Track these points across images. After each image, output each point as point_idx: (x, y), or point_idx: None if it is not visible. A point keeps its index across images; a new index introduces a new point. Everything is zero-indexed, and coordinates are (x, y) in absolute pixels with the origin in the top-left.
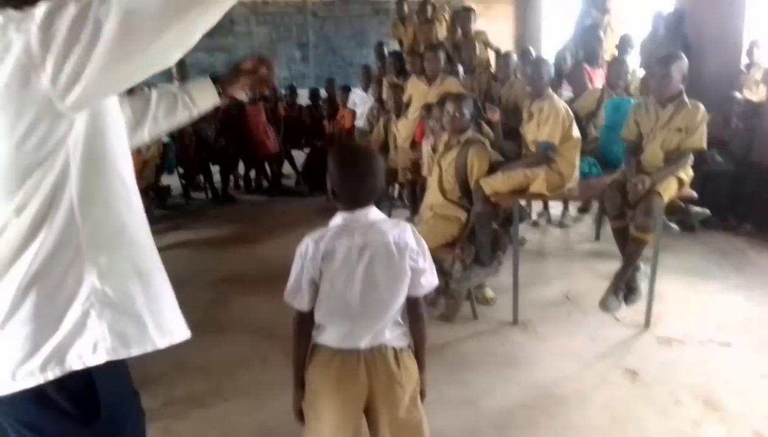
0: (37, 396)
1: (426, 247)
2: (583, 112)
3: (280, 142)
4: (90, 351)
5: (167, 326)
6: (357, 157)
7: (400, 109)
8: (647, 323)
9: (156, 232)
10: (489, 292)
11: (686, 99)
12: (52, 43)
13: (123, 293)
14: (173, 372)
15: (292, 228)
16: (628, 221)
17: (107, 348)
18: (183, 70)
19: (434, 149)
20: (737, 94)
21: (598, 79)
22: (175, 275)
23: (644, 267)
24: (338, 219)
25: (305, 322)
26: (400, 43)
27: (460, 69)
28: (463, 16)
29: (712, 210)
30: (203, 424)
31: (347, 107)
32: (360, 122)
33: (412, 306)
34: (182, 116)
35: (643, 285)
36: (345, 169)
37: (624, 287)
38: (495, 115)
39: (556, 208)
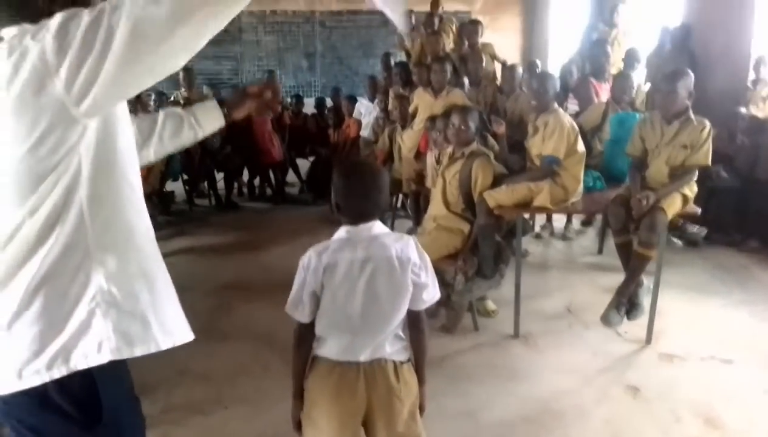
0: (40, 399)
1: (429, 262)
2: (588, 125)
3: (285, 151)
4: (95, 351)
5: (170, 327)
6: (362, 172)
7: (406, 119)
8: (649, 338)
9: (160, 238)
10: (490, 304)
11: (692, 115)
12: (67, 50)
13: (128, 294)
14: (173, 379)
15: (295, 236)
16: (631, 236)
17: (112, 347)
18: (190, 77)
19: (438, 161)
20: (742, 110)
21: (604, 93)
22: (177, 281)
23: (647, 283)
24: (341, 232)
25: (306, 334)
26: (407, 54)
27: (466, 81)
28: (470, 29)
29: (716, 225)
30: (202, 431)
31: (353, 117)
32: (365, 132)
33: (413, 321)
34: (187, 137)
35: (645, 300)
36: (350, 184)
37: (626, 302)
38: (500, 128)
39: (559, 220)
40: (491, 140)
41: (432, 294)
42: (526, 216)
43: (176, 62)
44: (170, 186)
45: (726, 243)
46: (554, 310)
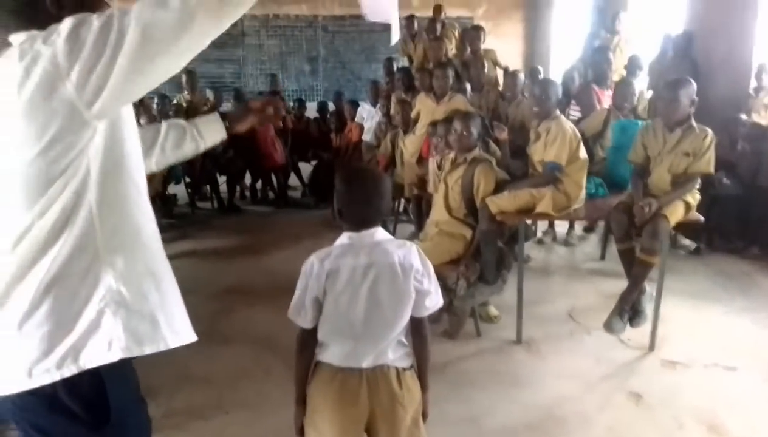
0: (49, 400)
1: (431, 268)
2: (590, 132)
3: (288, 154)
4: (105, 349)
5: (178, 326)
6: (364, 178)
7: (408, 124)
8: (652, 345)
9: (162, 241)
10: (493, 310)
11: (694, 123)
12: (78, 53)
13: (137, 293)
14: (175, 383)
15: (298, 240)
16: (634, 243)
17: (122, 346)
18: (192, 80)
19: (439, 166)
20: (743, 116)
21: (606, 99)
22: (180, 284)
23: (650, 290)
24: (344, 238)
25: (308, 339)
26: (410, 59)
27: (468, 87)
28: (472, 35)
29: (718, 232)
30: (204, 436)
31: (355, 121)
32: (367, 136)
33: (416, 327)
34: (189, 148)
35: (648, 307)
36: (352, 191)
37: (629, 309)
38: (502, 134)
39: (561, 226)
40: (493, 146)
41: (435, 300)
42: (528, 222)
43: (182, 62)
44: (173, 189)
45: (728, 251)
46: (557, 316)
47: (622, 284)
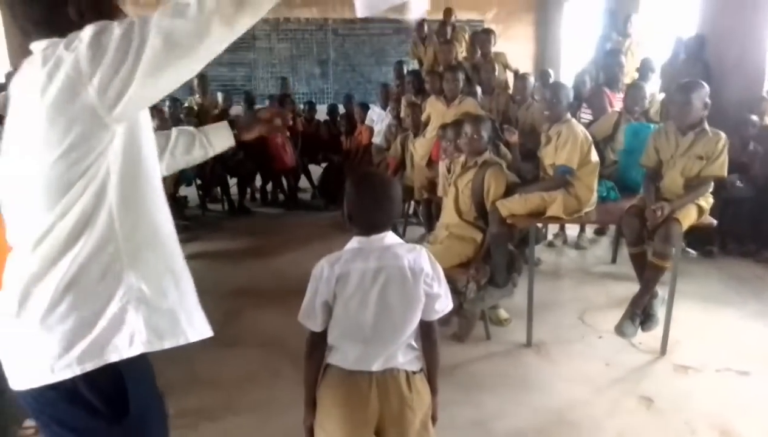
0: (70, 394)
1: (441, 272)
2: (600, 135)
3: (298, 157)
4: (127, 344)
5: (196, 321)
6: (375, 183)
7: (418, 127)
8: (663, 349)
9: None
10: (503, 313)
11: (707, 127)
12: (100, 59)
13: (157, 290)
14: (184, 384)
15: (307, 242)
16: (646, 247)
17: (143, 340)
18: (204, 84)
19: (449, 170)
20: (753, 117)
21: (617, 102)
22: None
23: (662, 294)
24: (354, 242)
25: (318, 343)
26: (420, 62)
27: (479, 90)
28: (482, 38)
29: (731, 236)
30: None
31: (365, 124)
32: (377, 139)
33: (425, 331)
34: (198, 154)
35: (660, 311)
36: (363, 196)
37: (641, 313)
38: (513, 137)
39: (572, 229)
40: (504, 149)
41: (444, 304)
42: (539, 225)
43: (199, 67)
44: (184, 191)
45: (741, 254)
46: (567, 320)
47: (633, 288)
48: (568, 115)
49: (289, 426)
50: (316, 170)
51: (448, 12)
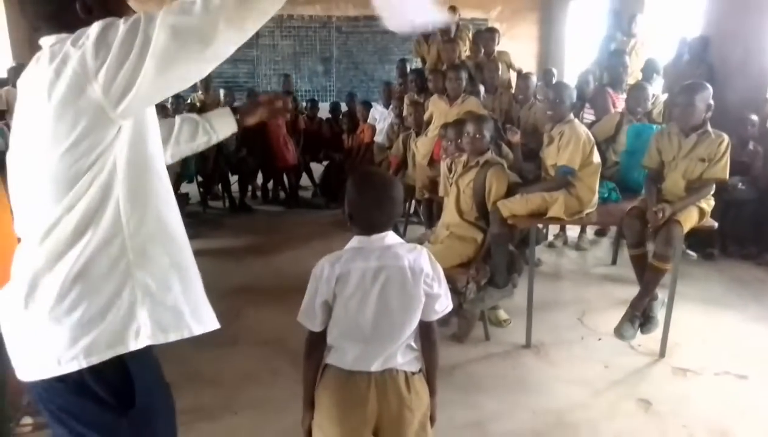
0: (77, 386)
1: (441, 272)
2: (602, 136)
3: (299, 155)
4: (132, 337)
5: (201, 315)
6: (376, 183)
7: (420, 126)
8: (662, 352)
9: None
10: (502, 314)
11: (710, 128)
12: (106, 56)
13: (162, 284)
14: (183, 383)
15: (308, 240)
16: (646, 249)
17: (147, 334)
18: (206, 80)
19: (450, 169)
20: (753, 116)
21: (621, 103)
22: None
23: (662, 296)
24: (354, 242)
25: (317, 343)
26: (423, 61)
27: (482, 89)
28: (486, 37)
29: (732, 238)
30: None
31: (367, 122)
32: (379, 138)
33: (425, 332)
34: (202, 141)
35: (660, 314)
36: (364, 195)
37: (640, 315)
38: (515, 137)
39: (573, 230)
40: (505, 149)
41: (444, 305)
42: (540, 225)
43: (207, 67)
44: (185, 188)
45: (742, 257)
46: (567, 321)
47: (633, 289)
48: (571, 116)
49: (288, 425)
50: (318, 168)
51: (452, 10)
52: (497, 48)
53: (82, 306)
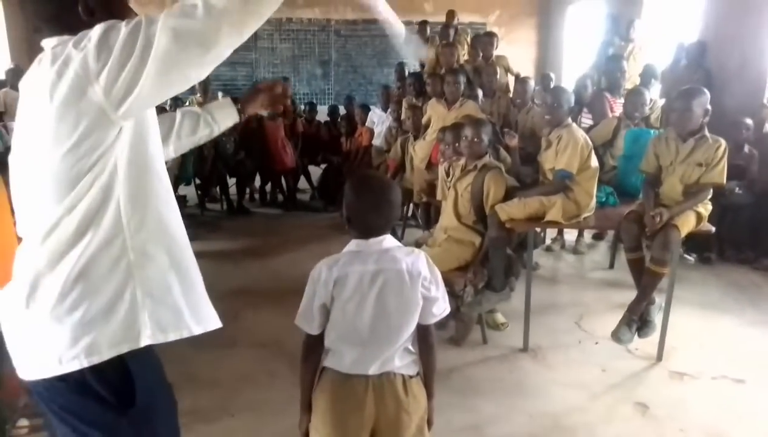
0: (78, 384)
1: (439, 276)
2: (599, 141)
3: (298, 157)
4: (132, 337)
5: (202, 315)
6: (374, 186)
7: (419, 130)
8: (660, 356)
9: None
10: (500, 317)
11: (707, 133)
12: (107, 58)
13: (163, 284)
14: (180, 385)
15: (306, 243)
16: (644, 253)
17: (147, 334)
18: (205, 83)
19: (447, 173)
20: (748, 120)
21: (618, 108)
22: None
23: (659, 301)
24: (352, 245)
25: (314, 346)
26: (421, 64)
27: (480, 93)
28: (485, 41)
29: (729, 242)
30: None
31: (365, 126)
32: (377, 141)
33: (422, 335)
34: (204, 133)
35: (657, 318)
36: (362, 199)
37: (638, 320)
38: (513, 141)
39: (570, 234)
40: (503, 153)
41: (442, 308)
42: (537, 229)
43: (206, 70)
44: (182, 190)
45: (739, 261)
46: (564, 325)
47: (630, 293)
48: (569, 120)
49: (285, 428)
50: (316, 171)
51: (450, 14)
52: (495, 52)
53: (83, 305)
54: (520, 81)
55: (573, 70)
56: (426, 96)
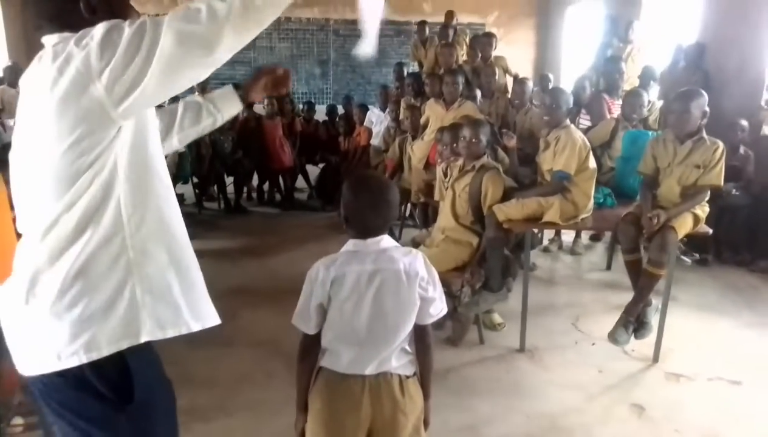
0: (77, 380)
1: (436, 276)
2: (597, 142)
3: (296, 157)
4: (131, 334)
5: (201, 312)
6: (372, 187)
7: (417, 130)
8: (656, 357)
9: None
10: (497, 318)
11: (705, 135)
12: (110, 57)
13: (162, 281)
14: (177, 384)
15: (303, 243)
16: (641, 255)
17: (146, 330)
18: (204, 82)
19: (445, 174)
20: (743, 121)
21: (617, 109)
22: None
23: (656, 302)
24: (349, 245)
25: (311, 345)
26: (420, 64)
27: (479, 93)
28: (483, 41)
29: (726, 244)
30: None
31: (364, 125)
32: (376, 141)
33: (419, 335)
34: (207, 122)
35: (654, 319)
36: (359, 199)
37: (634, 321)
38: (511, 141)
39: (567, 234)
40: (501, 153)
41: (439, 308)
42: (535, 230)
43: (208, 71)
44: (180, 188)
45: (736, 263)
46: (561, 325)
47: (627, 295)
48: (567, 121)
49: (282, 428)
50: (314, 170)
51: (449, 15)
52: (494, 53)
53: (83, 302)
54: (519, 82)
55: (571, 71)
56: (424, 96)
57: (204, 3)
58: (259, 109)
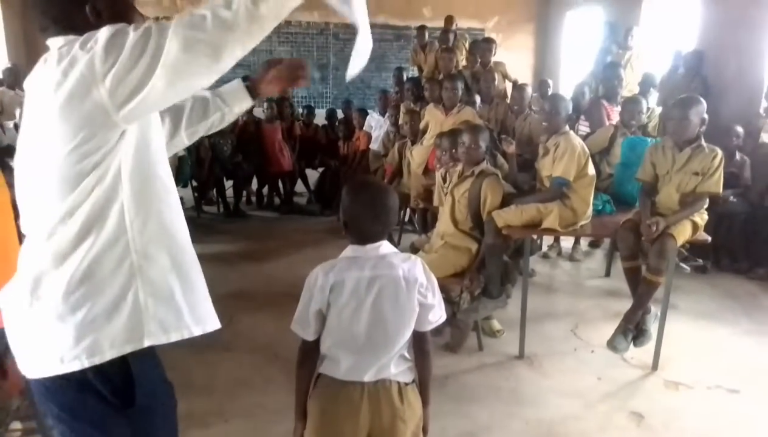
0: (79, 383)
1: (435, 282)
2: (595, 148)
3: (295, 161)
4: (135, 338)
5: (202, 316)
6: (372, 192)
7: (416, 135)
8: (655, 365)
9: None
10: (496, 324)
11: (704, 143)
12: (114, 61)
13: (164, 285)
14: (176, 389)
15: (302, 247)
16: (640, 262)
17: (150, 334)
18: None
19: (444, 179)
20: (738, 128)
21: (616, 115)
22: None
23: (655, 310)
24: (348, 251)
25: (310, 352)
26: (420, 69)
27: (478, 99)
28: (483, 47)
29: (725, 251)
30: None
31: (363, 130)
32: (375, 145)
33: (418, 342)
34: (215, 117)
35: (653, 327)
36: (359, 204)
37: (633, 328)
38: (510, 147)
39: (567, 241)
40: (500, 159)
41: (438, 315)
42: (534, 236)
43: (210, 79)
44: (179, 192)
45: (734, 270)
46: (560, 332)
47: (626, 302)
48: (566, 127)
49: (280, 434)
50: (313, 175)
51: (449, 20)
52: (493, 58)
53: (87, 306)
54: (518, 88)
55: (570, 77)
56: (424, 101)
57: (209, 10)
58: (259, 112)
